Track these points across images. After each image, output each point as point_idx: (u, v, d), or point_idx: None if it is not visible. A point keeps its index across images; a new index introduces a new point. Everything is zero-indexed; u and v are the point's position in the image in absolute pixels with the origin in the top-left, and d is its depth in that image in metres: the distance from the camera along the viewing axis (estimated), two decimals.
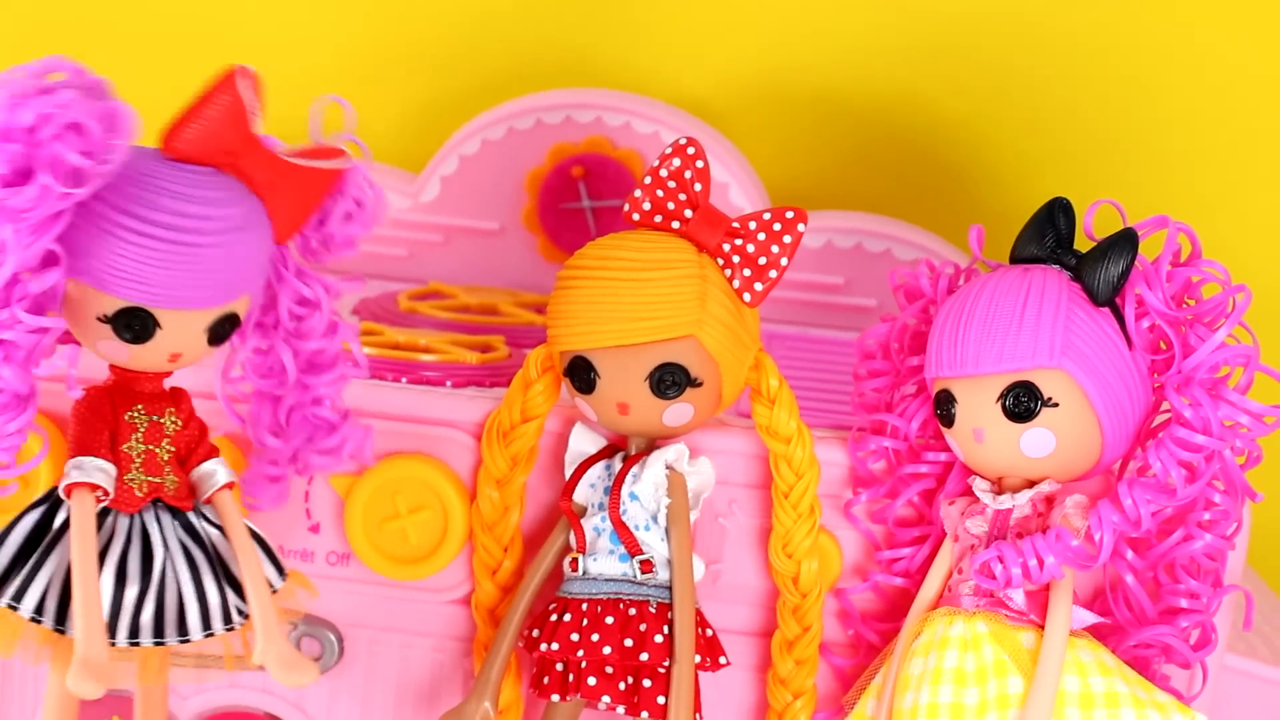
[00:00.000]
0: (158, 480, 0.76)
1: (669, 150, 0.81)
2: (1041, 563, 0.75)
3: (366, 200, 0.79)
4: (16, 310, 0.70)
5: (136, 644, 0.74)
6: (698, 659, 0.80)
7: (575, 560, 0.82)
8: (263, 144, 0.74)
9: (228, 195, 0.72)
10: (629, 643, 0.79)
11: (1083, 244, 0.79)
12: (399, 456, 0.85)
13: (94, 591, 0.72)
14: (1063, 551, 0.75)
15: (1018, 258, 0.79)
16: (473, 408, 0.85)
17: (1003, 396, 0.76)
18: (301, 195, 0.76)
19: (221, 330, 0.75)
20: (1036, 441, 0.76)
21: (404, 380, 0.88)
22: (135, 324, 0.72)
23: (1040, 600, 0.77)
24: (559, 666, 0.81)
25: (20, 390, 0.73)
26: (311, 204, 0.77)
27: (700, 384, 0.79)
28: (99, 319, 0.73)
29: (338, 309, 0.81)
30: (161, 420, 0.76)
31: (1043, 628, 0.77)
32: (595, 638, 0.80)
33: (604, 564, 0.81)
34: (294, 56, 1.16)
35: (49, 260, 0.71)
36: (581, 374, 0.80)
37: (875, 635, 0.85)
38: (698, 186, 0.80)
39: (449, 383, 0.88)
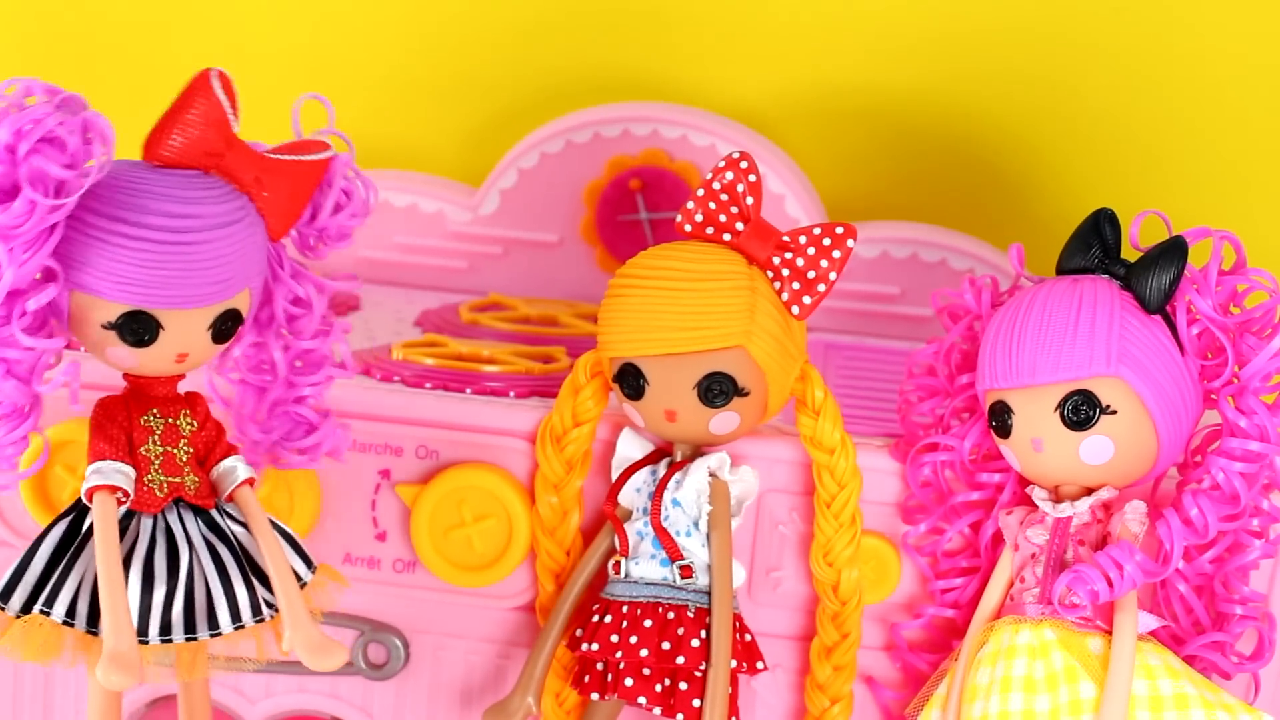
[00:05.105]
0: (178, 480, 0.77)
1: (722, 163, 0.82)
2: (1122, 570, 0.75)
3: (355, 191, 0.80)
4: (15, 329, 0.72)
5: (169, 641, 0.75)
6: (735, 664, 0.81)
7: (618, 563, 0.83)
8: (244, 143, 0.75)
9: (215, 194, 0.74)
10: (666, 646, 0.80)
11: (1129, 254, 0.79)
12: (464, 466, 0.87)
13: (119, 588, 0.73)
14: (1136, 561, 0.76)
15: (1064, 269, 0.80)
16: (528, 416, 0.87)
17: (1061, 405, 0.76)
18: (289, 189, 0.77)
19: (225, 327, 0.76)
20: (1095, 449, 0.77)
21: (468, 391, 0.90)
22: (138, 327, 0.74)
23: (1105, 606, 0.77)
24: (599, 666, 0.83)
25: (21, 403, 0.74)
26: (300, 197, 0.78)
27: (747, 394, 0.80)
28: (103, 326, 0.74)
29: (364, 315, 0.82)
30: (177, 422, 0.77)
31: (1108, 633, 0.77)
32: (633, 640, 0.81)
33: (645, 568, 0.83)
34: (355, 74, 1.17)
35: (47, 275, 0.72)
36: (631, 380, 0.81)
37: (925, 665, 0.85)
38: (749, 200, 0.81)
39: (512, 393, 0.90)
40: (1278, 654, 0.81)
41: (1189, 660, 0.80)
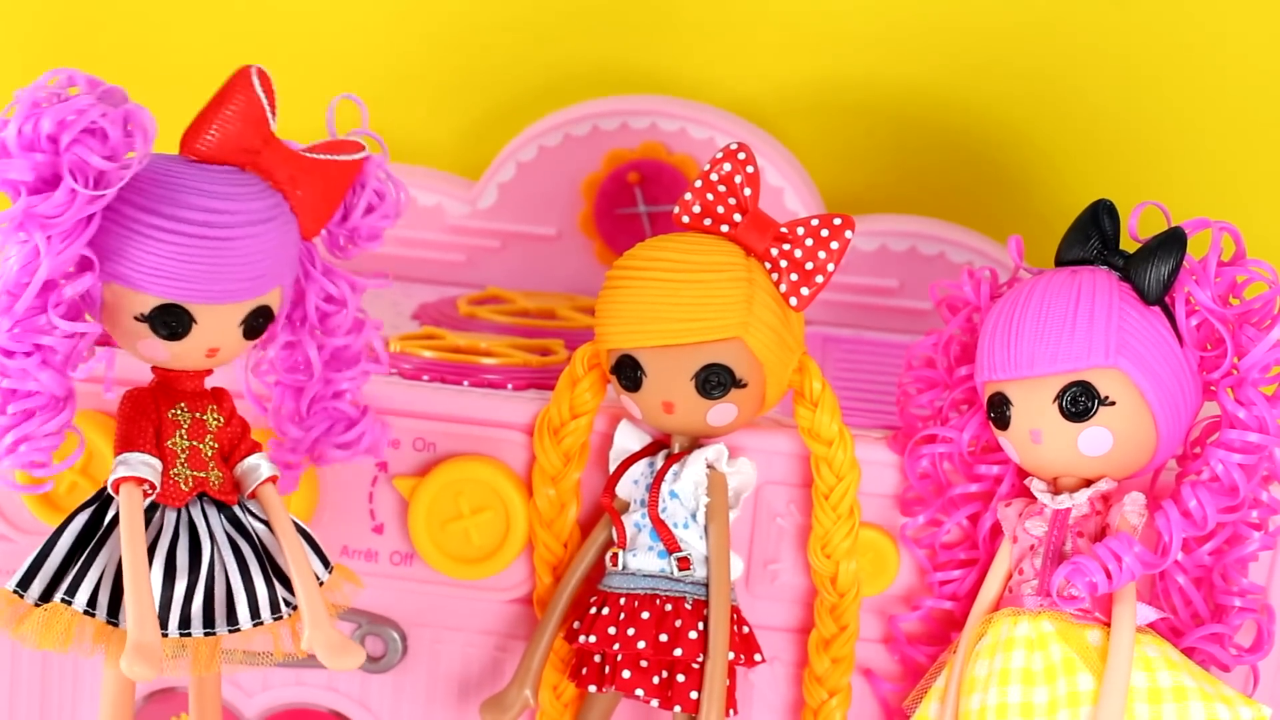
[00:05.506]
0: (202, 475, 0.77)
1: (719, 155, 0.81)
2: (1120, 562, 0.75)
3: (387, 192, 0.81)
4: (52, 316, 0.72)
5: (188, 634, 0.75)
6: (733, 655, 0.81)
7: (615, 555, 0.83)
8: (280, 141, 0.75)
9: (251, 190, 0.74)
10: (664, 638, 0.80)
11: (1128, 245, 0.79)
12: (461, 458, 0.87)
13: (144, 579, 0.73)
14: (1135, 553, 0.76)
15: (1063, 260, 0.80)
16: (526, 408, 0.87)
17: (1060, 397, 0.76)
18: (323, 189, 0.77)
19: (256, 323, 0.76)
20: (1094, 440, 0.77)
21: (465, 383, 0.89)
22: (171, 320, 0.74)
23: (1104, 598, 0.77)
24: (596, 658, 0.83)
25: (57, 393, 0.74)
26: (334, 197, 0.78)
27: (745, 385, 0.80)
28: (136, 319, 0.74)
29: (363, 307, 0.82)
30: (204, 417, 0.78)
31: (1107, 625, 0.77)
32: (631, 632, 0.81)
33: (643, 560, 0.83)
34: (354, 68, 1.17)
35: (83, 265, 0.73)
36: (628, 372, 0.81)
37: (924, 657, 0.86)
38: (747, 191, 0.81)
39: (510, 385, 0.90)
40: (1276, 646, 0.81)
41: (1188, 652, 0.80)
